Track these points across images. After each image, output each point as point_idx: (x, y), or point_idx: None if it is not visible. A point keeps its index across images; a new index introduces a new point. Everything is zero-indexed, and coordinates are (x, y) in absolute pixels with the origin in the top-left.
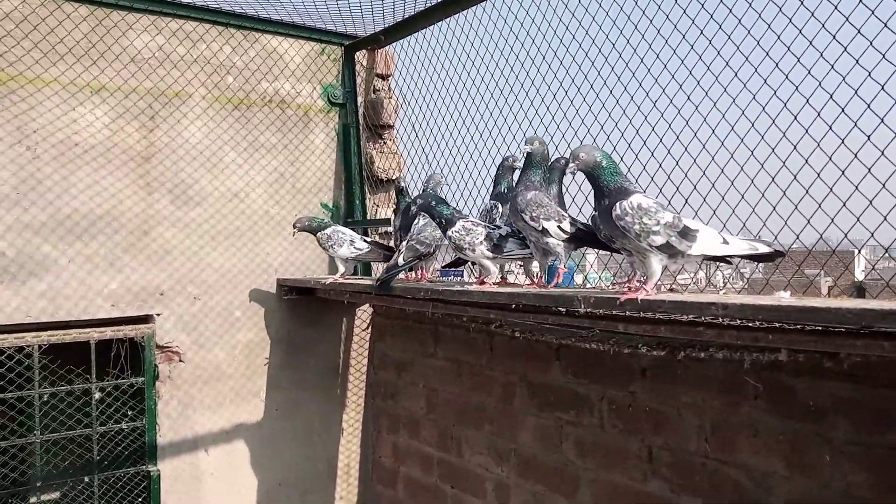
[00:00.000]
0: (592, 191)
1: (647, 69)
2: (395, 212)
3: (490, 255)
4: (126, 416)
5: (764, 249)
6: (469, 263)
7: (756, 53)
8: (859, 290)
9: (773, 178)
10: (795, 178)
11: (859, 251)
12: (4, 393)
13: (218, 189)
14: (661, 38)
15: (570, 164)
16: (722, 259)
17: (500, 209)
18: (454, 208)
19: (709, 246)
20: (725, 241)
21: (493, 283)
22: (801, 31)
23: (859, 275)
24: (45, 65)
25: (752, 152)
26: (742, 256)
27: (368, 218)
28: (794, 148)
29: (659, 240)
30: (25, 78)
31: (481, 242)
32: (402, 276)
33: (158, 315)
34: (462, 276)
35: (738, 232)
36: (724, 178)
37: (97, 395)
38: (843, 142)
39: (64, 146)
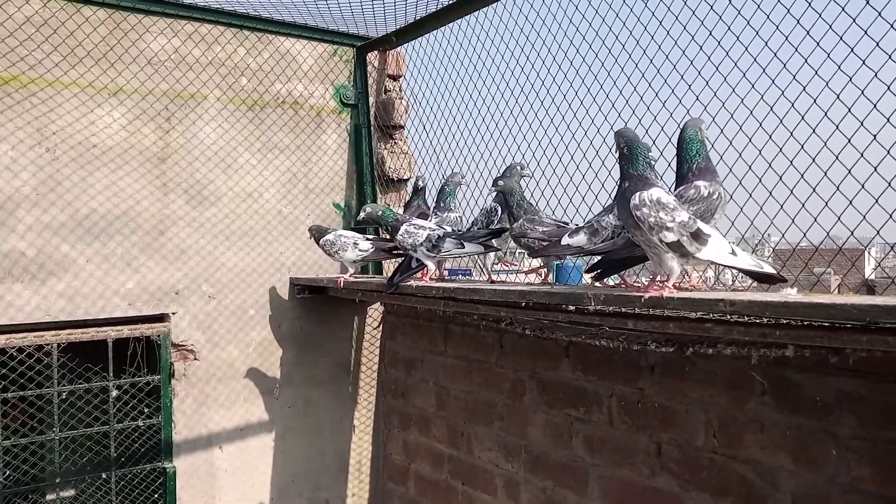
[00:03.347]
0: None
1: (657, 70)
2: (405, 207)
3: (430, 253)
4: (142, 413)
5: (768, 269)
6: (476, 263)
7: (764, 54)
8: (869, 289)
9: (780, 178)
10: (802, 176)
11: (865, 248)
12: (24, 391)
13: (232, 189)
14: (670, 38)
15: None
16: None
17: (500, 213)
18: (398, 213)
19: (717, 253)
20: (734, 253)
21: (430, 278)
22: (809, 33)
23: (869, 273)
24: (65, 67)
25: (760, 152)
26: (745, 271)
27: None
28: (801, 147)
29: (671, 237)
30: (45, 80)
31: (422, 243)
32: (418, 275)
33: (174, 314)
34: (470, 274)
35: (745, 230)
36: (732, 176)
37: (114, 393)
38: (849, 141)
39: (82, 147)
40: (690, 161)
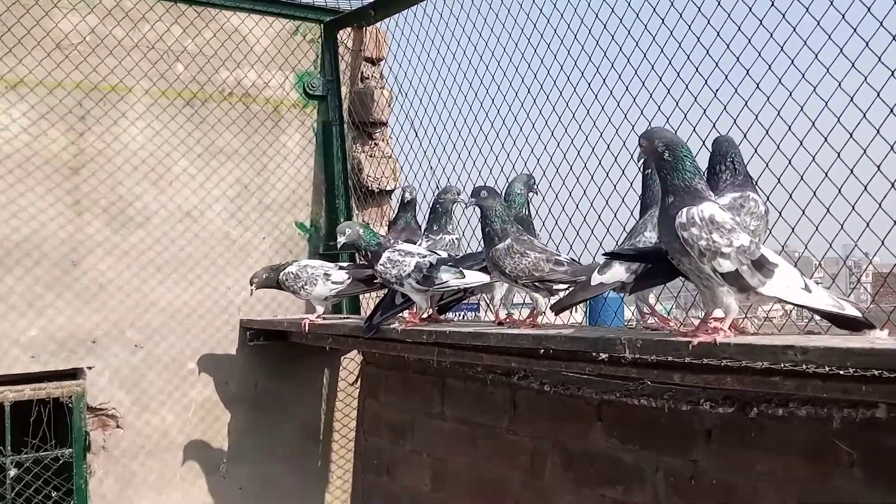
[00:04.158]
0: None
1: (669, 61)
2: (390, 226)
3: (420, 287)
4: (50, 497)
5: (852, 312)
6: (484, 296)
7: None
8: None
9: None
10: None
11: None
12: None
13: (165, 207)
14: (683, 21)
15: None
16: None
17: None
18: (385, 236)
19: (785, 289)
20: (807, 288)
21: (421, 319)
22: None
23: None
24: None
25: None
26: (821, 312)
27: None
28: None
29: (727, 266)
30: None
31: (409, 275)
32: (405, 314)
33: (90, 369)
34: (478, 309)
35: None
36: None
37: (12, 472)
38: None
39: None
40: (743, 166)
